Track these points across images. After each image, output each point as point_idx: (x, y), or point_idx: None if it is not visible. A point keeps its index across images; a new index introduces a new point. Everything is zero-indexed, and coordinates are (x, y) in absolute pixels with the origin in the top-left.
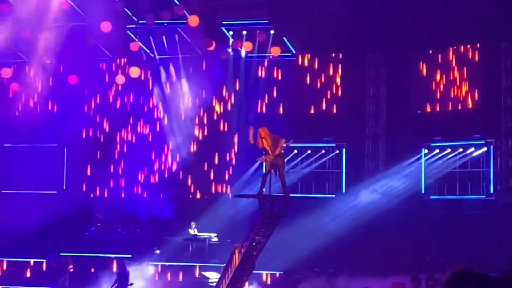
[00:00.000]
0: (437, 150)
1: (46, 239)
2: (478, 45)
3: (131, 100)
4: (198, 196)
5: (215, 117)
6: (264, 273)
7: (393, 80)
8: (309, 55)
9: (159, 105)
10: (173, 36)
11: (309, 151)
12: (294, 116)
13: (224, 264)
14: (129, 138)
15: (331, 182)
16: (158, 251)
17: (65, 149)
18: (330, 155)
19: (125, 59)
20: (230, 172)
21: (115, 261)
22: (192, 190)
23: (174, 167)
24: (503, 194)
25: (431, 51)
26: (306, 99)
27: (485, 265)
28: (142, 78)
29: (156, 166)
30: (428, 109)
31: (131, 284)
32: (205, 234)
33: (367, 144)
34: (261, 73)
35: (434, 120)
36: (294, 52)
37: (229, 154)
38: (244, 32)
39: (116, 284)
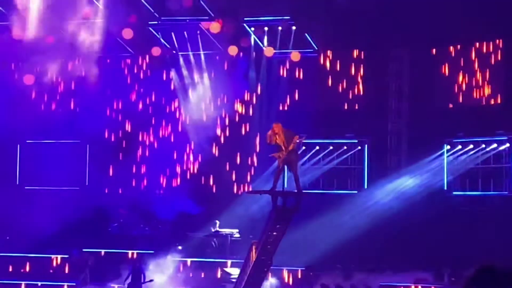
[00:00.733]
0: (460, 146)
1: (69, 235)
2: (501, 41)
3: (153, 99)
4: (220, 193)
5: (237, 117)
6: (285, 269)
7: (416, 76)
8: (331, 51)
9: (181, 104)
10: (195, 33)
11: (331, 147)
12: (316, 113)
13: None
14: (152, 135)
15: (353, 178)
16: (180, 247)
17: (88, 145)
18: (352, 151)
19: (147, 57)
20: (252, 172)
21: (133, 256)
22: (214, 190)
23: (196, 167)
24: None
25: (453, 47)
26: (328, 95)
27: (509, 261)
28: (164, 78)
29: (178, 164)
30: (451, 105)
31: (152, 280)
32: (227, 230)
33: (389, 140)
34: (283, 71)
35: (456, 116)
36: (316, 48)
37: (251, 154)
38: (266, 29)
39: (129, 280)
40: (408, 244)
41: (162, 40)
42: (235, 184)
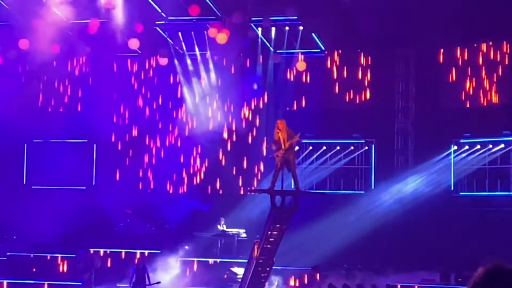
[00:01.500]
0: (467, 146)
1: (75, 234)
2: (507, 41)
3: (160, 102)
4: (227, 194)
5: (243, 122)
6: (291, 269)
7: (423, 76)
8: (338, 51)
9: (188, 107)
10: (203, 34)
11: (338, 147)
12: (323, 112)
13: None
14: (158, 137)
15: (360, 178)
16: (186, 247)
17: (95, 145)
18: (359, 151)
19: (155, 58)
20: (259, 177)
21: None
22: (221, 192)
23: (203, 170)
24: None
25: (460, 47)
26: (335, 95)
27: None
28: (171, 81)
29: (185, 166)
30: (458, 105)
31: (159, 282)
32: (234, 230)
33: (396, 140)
34: (290, 74)
35: (463, 116)
36: (323, 49)
37: (257, 159)
38: (273, 29)
39: (134, 279)
40: (414, 244)
41: (169, 40)
42: (241, 188)
